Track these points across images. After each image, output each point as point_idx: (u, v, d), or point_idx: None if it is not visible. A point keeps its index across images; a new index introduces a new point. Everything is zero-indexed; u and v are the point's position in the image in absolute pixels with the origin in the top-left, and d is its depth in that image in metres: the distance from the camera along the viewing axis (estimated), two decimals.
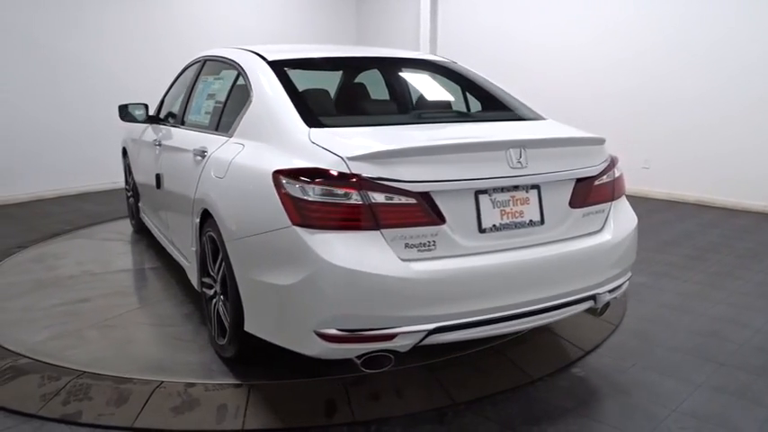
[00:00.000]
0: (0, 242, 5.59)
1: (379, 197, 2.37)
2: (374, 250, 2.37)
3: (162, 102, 4.86)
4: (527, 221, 2.67)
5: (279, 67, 3.21)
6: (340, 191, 2.37)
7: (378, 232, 2.38)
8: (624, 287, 3.05)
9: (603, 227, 2.91)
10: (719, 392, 2.93)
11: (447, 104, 3.78)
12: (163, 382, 2.96)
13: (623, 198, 3.12)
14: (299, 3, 10.46)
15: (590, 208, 2.85)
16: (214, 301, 3.19)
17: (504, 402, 2.84)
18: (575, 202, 2.80)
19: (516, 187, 2.64)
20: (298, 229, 2.40)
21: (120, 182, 8.13)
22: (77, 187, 8.00)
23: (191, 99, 4.23)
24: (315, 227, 2.38)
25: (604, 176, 2.93)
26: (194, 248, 3.47)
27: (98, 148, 8.08)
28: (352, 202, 2.36)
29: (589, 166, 2.87)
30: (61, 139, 7.85)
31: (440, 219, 2.46)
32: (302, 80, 3.30)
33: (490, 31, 9.43)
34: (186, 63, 4.63)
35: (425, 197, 2.43)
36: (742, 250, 5.43)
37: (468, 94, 3.84)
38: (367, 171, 2.38)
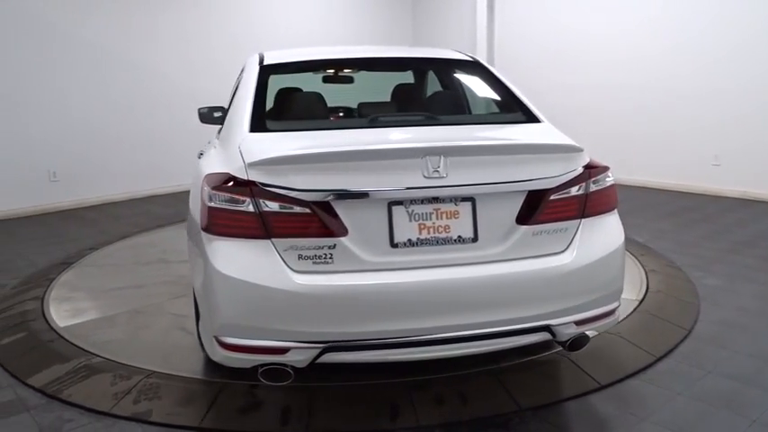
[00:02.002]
0: (75, 244, 5.84)
1: (272, 205, 2.28)
2: (263, 260, 2.29)
3: None
4: (454, 238, 2.40)
5: (266, 71, 3.18)
6: (237, 197, 2.31)
7: (268, 242, 2.29)
8: (607, 321, 2.64)
9: (567, 248, 2.51)
10: None
11: (422, 107, 3.59)
12: (228, 383, 3.01)
13: (607, 216, 2.65)
14: (353, 5, 10.53)
15: (545, 225, 2.47)
16: None
17: (571, 410, 2.76)
18: (523, 219, 2.45)
19: (436, 199, 2.38)
20: (203, 234, 2.40)
21: (184, 184, 8.43)
22: (144, 190, 8.27)
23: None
24: (213, 233, 2.36)
25: (571, 189, 2.51)
26: None
27: (161, 151, 8.35)
28: (243, 209, 2.30)
29: (544, 177, 2.46)
30: (127, 143, 8.15)
31: (341, 230, 2.31)
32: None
33: (549, 27, 9.24)
34: None
35: (324, 207, 2.29)
36: None
37: (465, 96, 3.68)
38: (262, 178, 2.29)
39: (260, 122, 2.77)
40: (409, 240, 2.37)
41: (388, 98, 3.89)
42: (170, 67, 8.47)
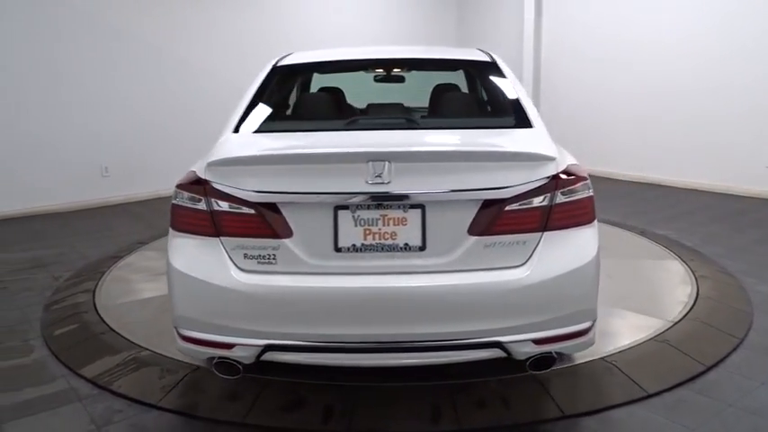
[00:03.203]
0: (126, 237, 5.99)
1: (223, 205, 2.39)
2: (209, 257, 2.41)
3: None
4: (401, 245, 2.36)
5: (275, 72, 3.31)
6: (194, 196, 2.45)
7: (217, 240, 2.40)
8: (576, 342, 2.48)
9: (525, 262, 2.38)
10: None
11: (433, 108, 3.54)
12: (271, 380, 3.04)
13: (579, 229, 2.45)
14: (400, 6, 10.55)
15: (499, 237, 2.35)
16: None
17: (616, 418, 2.71)
18: (475, 229, 2.35)
19: (382, 204, 2.34)
20: (170, 229, 2.57)
21: None
22: None
23: None
24: (174, 229, 2.54)
25: (533, 200, 2.36)
26: None
27: (209, 147, 8.46)
28: (197, 207, 2.43)
29: (499, 186, 2.32)
30: (177, 140, 8.23)
31: (285, 232, 2.35)
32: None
33: (599, 28, 9.00)
34: None
35: (270, 208, 2.35)
36: None
37: (474, 97, 3.64)
38: (216, 178, 2.41)
39: (247, 123, 2.88)
40: (353, 245, 2.37)
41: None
42: (223, 66, 8.56)
